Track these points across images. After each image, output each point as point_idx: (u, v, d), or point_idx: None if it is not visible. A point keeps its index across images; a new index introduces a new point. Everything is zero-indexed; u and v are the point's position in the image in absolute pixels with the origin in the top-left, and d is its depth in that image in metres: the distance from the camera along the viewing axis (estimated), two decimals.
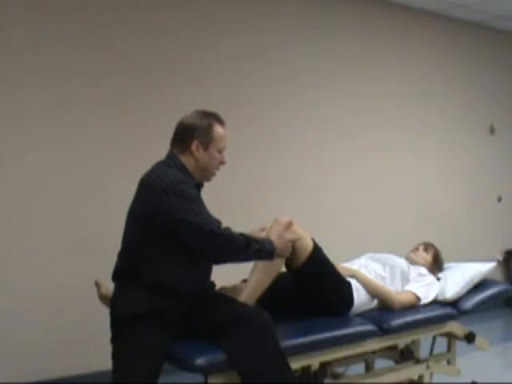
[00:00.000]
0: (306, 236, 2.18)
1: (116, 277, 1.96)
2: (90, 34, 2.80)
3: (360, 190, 3.74)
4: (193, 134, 1.96)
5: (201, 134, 1.95)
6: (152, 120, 2.95)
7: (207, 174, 2.00)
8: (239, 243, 1.88)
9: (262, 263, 2.07)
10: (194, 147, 1.95)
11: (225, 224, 1.94)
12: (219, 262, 1.98)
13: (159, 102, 2.99)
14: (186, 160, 1.95)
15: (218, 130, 1.97)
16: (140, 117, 2.96)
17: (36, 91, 2.69)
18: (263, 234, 2.07)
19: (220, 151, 1.99)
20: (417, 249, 2.70)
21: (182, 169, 1.94)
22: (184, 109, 2.06)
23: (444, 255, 2.72)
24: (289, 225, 2.09)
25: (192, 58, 3.10)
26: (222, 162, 2.01)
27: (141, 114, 2.96)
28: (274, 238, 2.00)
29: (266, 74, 3.36)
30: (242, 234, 1.91)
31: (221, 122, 2.00)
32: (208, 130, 1.96)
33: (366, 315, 2.31)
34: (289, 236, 2.04)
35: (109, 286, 2.02)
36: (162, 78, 3.02)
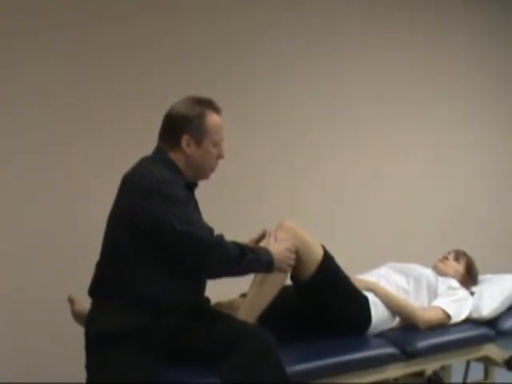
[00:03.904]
0: (315, 243, 2.17)
1: (93, 291, 1.95)
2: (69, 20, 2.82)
3: (379, 189, 3.72)
4: (182, 127, 1.93)
5: (191, 126, 1.92)
6: (140, 110, 2.93)
7: (203, 172, 1.98)
8: (232, 254, 1.87)
9: (262, 275, 2.07)
10: (184, 143, 1.93)
11: (223, 229, 1.92)
12: (208, 274, 1.98)
13: (146, 90, 2.97)
14: (175, 157, 1.95)
15: (213, 119, 1.94)
16: (125, 106, 2.95)
17: (14, 85, 2.71)
18: (270, 240, 2.09)
19: (216, 145, 1.95)
20: (446, 258, 2.69)
21: (171, 165, 1.93)
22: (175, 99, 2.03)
23: (479, 265, 2.71)
24: (279, 228, 2.09)
25: (187, 42, 3.11)
26: (220, 157, 1.99)
27: (125, 103, 2.95)
28: (270, 246, 2.00)
29: (266, 63, 3.36)
30: (234, 243, 1.90)
31: (216, 109, 1.97)
32: (200, 120, 1.92)
33: (386, 335, 2.29)
34: (285, 244, 2.02)
35: (84, 303, 2.01)
36: (151, 63, 3.01)
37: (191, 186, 2.00)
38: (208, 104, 1.96)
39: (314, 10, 3.49)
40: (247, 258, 1.88)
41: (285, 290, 2.14)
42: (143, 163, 1.93)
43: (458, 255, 2.68)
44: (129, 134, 2.91)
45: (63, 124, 2.80)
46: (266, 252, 1.95)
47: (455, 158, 4.06)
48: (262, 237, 2.12)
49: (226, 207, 3.07)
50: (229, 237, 1.91)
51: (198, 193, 2.05)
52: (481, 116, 4.18)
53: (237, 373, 1.81)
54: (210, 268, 1.90)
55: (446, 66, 4.03)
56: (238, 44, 3.27)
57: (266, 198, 3.32)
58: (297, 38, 3.45)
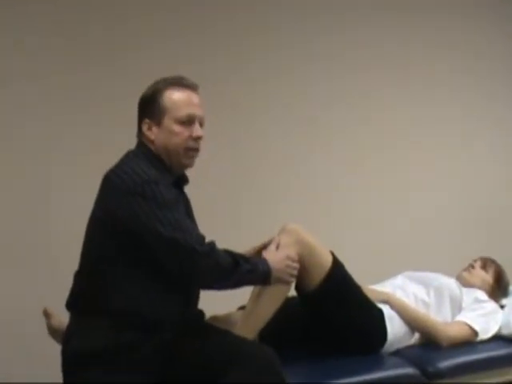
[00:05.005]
0: (323, 248, 2.14)
1: (71, 304, 1.90)
2: None
3: (394, 187, 3.64)
4: (142, 110, 1.93)
5: (149, 107, 1.90)
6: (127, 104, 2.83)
7: (175, 156, 1.91)
8: (224, 264, 1.82)
9: (261, 286, 2.03)
10: (145, 127, 1.91)
11: (216, 235, 1.88)
12: (197, 286, 1.95)
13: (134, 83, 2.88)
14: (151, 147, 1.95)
15: (170, 94, 1.89)
16: (110, 98, 2.92)
17: None
18: (271, 247, 2.07)
19: (182, 122, 1.89)
20: (472, 266, 2.65)
21: (155, 160, 1.90)
22: None
23: (509, 274, 2.67)
24: (283, 231, 2.07)
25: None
26: (195, 137, 1.91)
27: (109, 94, 2.91)
28: (268, 254, 1.97)
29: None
30: (227, 252, 1.86)
31: (180, 84, 1.92)
32: (154, 98, 1.89)
33: (404, 354, 2.25)
34: (286, 251, 1.99)
35: (62, 317, 1.99)
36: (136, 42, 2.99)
37: (180, 183, 1.96)
38: (169, 80, 1.92)
39: None
40: (241, 269, 1.84)
41: (289, 301, 2.10)
42: (126, 159, 1.89)
43: (486, 263, 2.63)
44: (112, 124, 2.89)
45: (36, 117, 2.80)
46: (263, 262, 1.91)
47: (475, 155, 3.95)
48: (266, 246, 2.09)
49: (219, 209, 3.05)
50: (223, 245, 1.86)
51: (191, 193, 2.01)
52: (501, 109, 4.05)
53: None
54: (200, 279, 1.85)
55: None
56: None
57: (266, 199, 3.29)
58: (296, 25, 3.42)
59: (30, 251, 2.74)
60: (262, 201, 3.26)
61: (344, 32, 3.55)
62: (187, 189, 2.01)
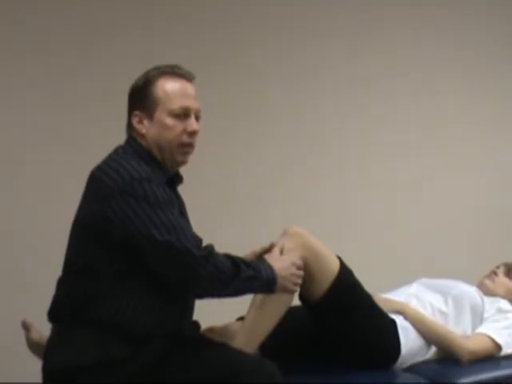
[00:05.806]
0: (329, 253, 2.11)
1: (54, 314, 1.85)
2: None
3: (406, 184, 3.57)
4: (132, 102, 1.89)
5: (139, 98, 1.86)
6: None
7: (167, 153, 1.85)
8: (224, 269, 1.76)
9: (263, 295, 1.99)
10: (135, 121, 1.86)
11: (215, 239, 1.83)
12: (194, 294, 1.89)
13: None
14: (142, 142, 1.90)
15: (163, 84, 1.84)
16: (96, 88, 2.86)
17: None
18: (274, 252, 2.03)
19: (176, 115, 1.83)
20: (494, 273, 2.60)
21: (147, 156, 1.85)
22: None
23: None
24: (285, 234, 2.04)
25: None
26: (190, 132, 1.85)
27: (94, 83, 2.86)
28: (272, 260, 1.90)
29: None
30: (227, 256, 1.81)
31: (172, 73, 1.87)
32: (146, 89, 1.84)
33: (419, 369, 2.20)
34: (291, 257, 1.93)
35: (42, 330, 1.95)
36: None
37: (173, 183, 1.91)
38: (162, 69, 1.88)
39: None
40: (243, 275, 1.77)
41: (292, 311, 2.07)
42: (114, 156, 1.85)
43: (510, 270, 2.59)
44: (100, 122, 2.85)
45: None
46: (268, 268, 1.84)
47: (494, 154, 3.86)
48: (267, 251, 2.03)
49: (215, 211, 3.03)
50: (219, 249, 1.81)
51: (185, 193, 1.96)
52: None
53: None
54: (197, 286, 1.79)
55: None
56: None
57: (266, 199, 3.25)
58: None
59: (6, 258, 2.71)
60: (262, 201, 3.23)
61: (344, 18, 3.49)
62: (180, 189, 1.95)
